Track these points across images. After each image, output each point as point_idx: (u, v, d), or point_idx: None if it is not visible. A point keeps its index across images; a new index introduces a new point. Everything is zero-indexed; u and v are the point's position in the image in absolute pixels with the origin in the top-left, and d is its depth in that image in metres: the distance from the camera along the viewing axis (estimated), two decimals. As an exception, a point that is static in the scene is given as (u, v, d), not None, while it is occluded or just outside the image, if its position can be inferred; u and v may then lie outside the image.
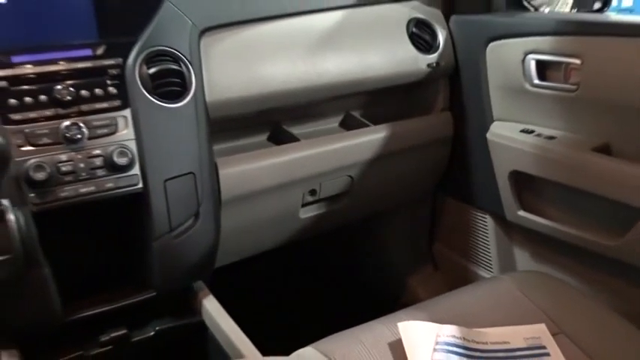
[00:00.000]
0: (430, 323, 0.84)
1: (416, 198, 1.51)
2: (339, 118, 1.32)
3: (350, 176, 1.23)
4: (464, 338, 0.82)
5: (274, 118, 1.22)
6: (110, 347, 0.97)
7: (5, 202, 0.78)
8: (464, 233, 1.45)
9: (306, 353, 0.82)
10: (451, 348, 0.81)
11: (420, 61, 1.25)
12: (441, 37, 1.29)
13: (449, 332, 0.83)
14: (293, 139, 1.19)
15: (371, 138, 1.24)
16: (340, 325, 0.89)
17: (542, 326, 0.84)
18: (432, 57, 1.27)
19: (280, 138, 1.21)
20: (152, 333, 1.01)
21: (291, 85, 1.10)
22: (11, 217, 0.78)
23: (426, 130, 1.33)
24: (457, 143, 1.38)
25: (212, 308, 1.02)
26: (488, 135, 1.26)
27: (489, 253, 1.39)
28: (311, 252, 1.64)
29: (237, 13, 1.07)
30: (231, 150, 1.14)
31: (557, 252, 1.24)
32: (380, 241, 1.66)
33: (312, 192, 1.21)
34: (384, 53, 1.22)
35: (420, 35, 1.27)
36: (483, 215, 1.38)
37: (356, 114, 1.31)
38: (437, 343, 0.81)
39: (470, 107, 1.32)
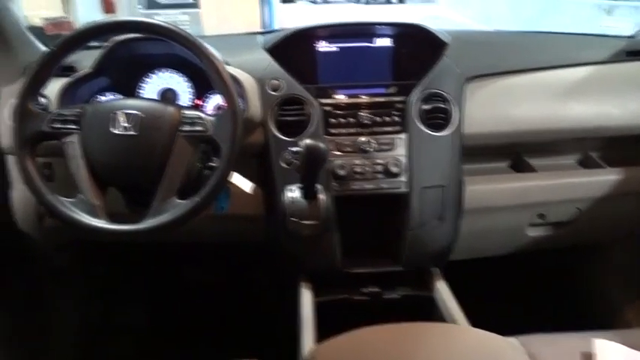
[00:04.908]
0: (625, 347, 0.84)
1: None
2: (577, 156, 1.28)
3: (578, 208, 1.21)
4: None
5: (516, 149, 1.25)
6: (367, 298, 1.10)
7: (319, 186, 1.01)
8: None
9: (509, 340, 0.88)
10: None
11: None
12: None
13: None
14: (530, 169, 1.22)
15: (605, 178, 1.19)
16: (544, 329, 0.91)
17: None
18: None
19: (519, 166, 1.25)
20: (397, 296, 1.12)
21: (535, 126, 1.14)
22: (321, 196, 1.01)
23: None
24: None
25: (442, 289, 1.08)
26: None
27: None
28: (534, 265, 1.61)
29: (496, 66, 1.16)
30: (478, 170, 1.20)
31: None
32: (600, 270, 1.55)
33: (541, 215, 1.21)
34: (627, 106, 1.16)
35: None
36: None
37: (594, 155, 1.26)
38: (625, 365, 0.81)
39: None
